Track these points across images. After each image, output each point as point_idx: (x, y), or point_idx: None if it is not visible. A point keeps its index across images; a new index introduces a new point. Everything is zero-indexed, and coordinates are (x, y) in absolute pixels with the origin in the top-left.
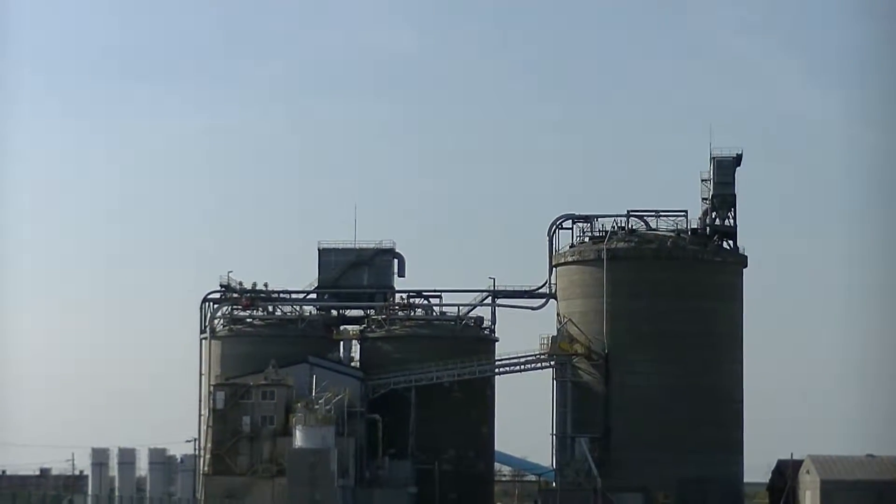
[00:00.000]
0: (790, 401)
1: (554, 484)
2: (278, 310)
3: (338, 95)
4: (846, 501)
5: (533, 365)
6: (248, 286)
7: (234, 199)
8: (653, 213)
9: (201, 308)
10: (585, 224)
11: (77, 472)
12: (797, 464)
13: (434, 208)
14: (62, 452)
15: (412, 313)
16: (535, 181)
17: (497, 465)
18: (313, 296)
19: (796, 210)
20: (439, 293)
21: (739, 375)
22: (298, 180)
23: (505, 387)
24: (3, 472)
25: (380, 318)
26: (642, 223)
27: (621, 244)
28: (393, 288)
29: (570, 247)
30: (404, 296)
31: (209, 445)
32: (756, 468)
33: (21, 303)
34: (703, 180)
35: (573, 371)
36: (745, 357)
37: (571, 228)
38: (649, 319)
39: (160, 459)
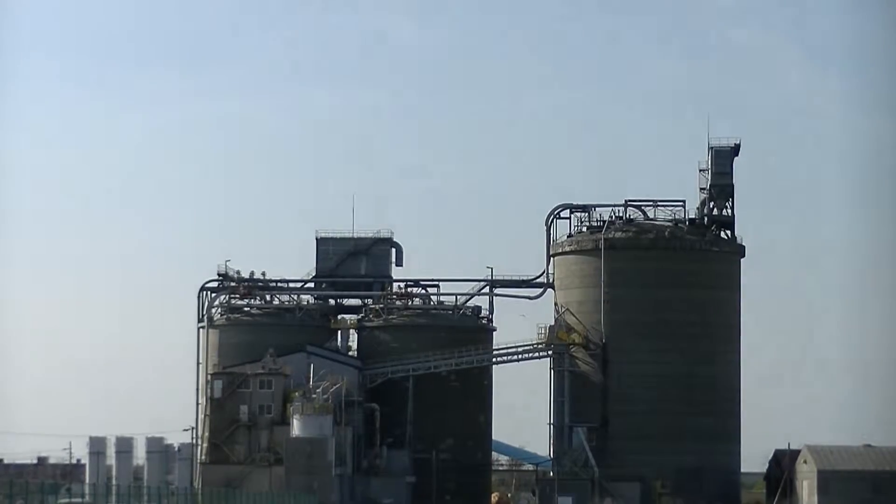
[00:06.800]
0: (787, 390)
1: (551, 473)
2: (276, 299)
3: (336, 84)
4: (843, 491)
5: (530, 354)
6: (245, 275)
7: (232, 187)
8: (650, 203)
9: (199, 297)
10: (583, 214)
11: (74, 461)
12: (794, 453)
13: (432, 197)
14: (59, 441)
15: (410, 302)
16: (533, 171)
17: (494, 455)
18: (311, 285)
19: (794, 200)
20: (437, 282)
21: (737, 365)
22: (296, 169)
23: (502, 376)
24: (1, 460)
25: (377, 307)
26: (640, 213)
27: (619, 234)
28: (391, 277)
29: (568, 236)
30: (402, 285)
31: (206, 434)
32: (753, 458)
33: (19, 292)
34: (701, 170)
35: (571, 361)
36: (743, 346)
37: (569, 218)
38: (647, 309)
39: (157, 448)
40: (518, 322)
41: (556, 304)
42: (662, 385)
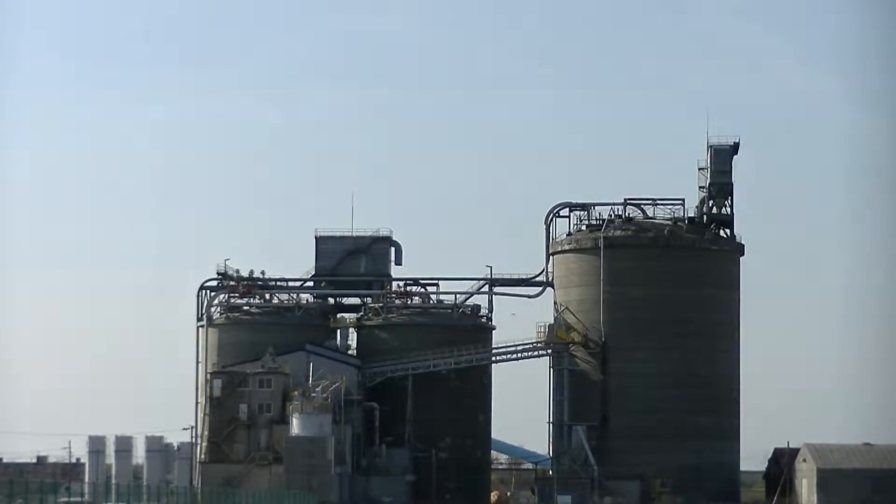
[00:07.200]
0: (787, 389)
1: (551, 472)
2: (275, 298)
3: (335, 83)
4: (842, 490)
5: (530, 353)
6: (245, 274)
7: (232, 186)
8: (650, 202)
9: (198, 296)
10: (582, 212)
11: (74, 460)
12: (794, 452)
13: (431, 196)
14: (59, 440)
15: (409, 301)
16: (533, 169)
17: (494, 454)
18: (310, 284)
19: (793, 198)
20: (436, 281)
21: (736, 363)
22: (296, 168)
23: (502, 375)
24: (0, 459)
25: (377, 306)
26: (639, 211)
27: (618, 232)
28: (390, 276)
29: (568, 235)
30: (401, 284)
31: (206, 433)
32: (753, 456)
33: (19, 292)
34: (700, 168)
35: (570, 359)
36: (742, 345)
37: (569, 216)
38: (646, 307)
39: (157, 447)
40: (517, 321)
41: (555, 302)
42: (662, 383)
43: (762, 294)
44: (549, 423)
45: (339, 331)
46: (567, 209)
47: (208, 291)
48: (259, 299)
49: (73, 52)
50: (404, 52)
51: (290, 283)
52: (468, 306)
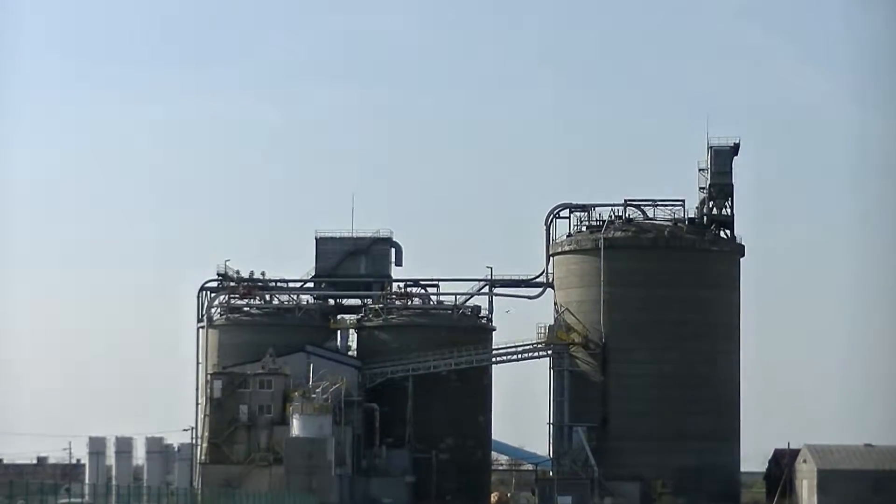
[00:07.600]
0: (787, 390)
1: (551, 473)
2: (275, 299)
3: (335, 83)
4: (843, 491)
5: (530, 354)
6: (245, 275)
7: (232, 187)
8: (650, 203)
9: (198, 297)
10: (583, 213)
11: (74, 461)
12: (794, 453)
13: (432, 197)
14: (59, 441)
15: (409, 302)
16: (533, 170)
17: (494, 455)
18: (310, 285)
19: (794, 199)
20: (436, 282)
21: (736, 364)
22: (296, 169)
23: (502, 376)
24: (1, 460)
25: (377, 307)
26: (640, 212)
27: (618, 233)
28: (390, 277)
29: (568, 236)
30: (401, 285)
31: (206, 434)
32: (753, 457)
33: (19, 292)
34: (700, 169)
35: (570, 360)
36: (742, 346)
37: (569, 217)
38: (646, 308)
39: (157, 448)
40: (518, 321)
41: (555, 303)
42: (662, 384)
43: (762, 295)
44: (549, 424)
45: (339, 332)
46: (567, 210)
47: (209, 292)
48: (259, 300)
49: (73, 52)
50: (404, 52)
51: (291, 284)
52: (468, 307)
